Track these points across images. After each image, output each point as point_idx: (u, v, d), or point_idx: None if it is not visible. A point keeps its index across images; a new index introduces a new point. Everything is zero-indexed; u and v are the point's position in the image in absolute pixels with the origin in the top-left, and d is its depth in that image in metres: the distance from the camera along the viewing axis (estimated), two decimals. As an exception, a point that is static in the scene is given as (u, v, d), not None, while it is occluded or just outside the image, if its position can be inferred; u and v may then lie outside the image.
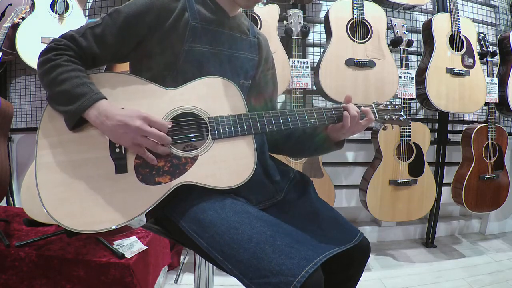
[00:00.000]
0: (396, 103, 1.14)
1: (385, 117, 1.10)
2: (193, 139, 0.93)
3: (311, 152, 1.17)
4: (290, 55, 2.02)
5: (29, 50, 1.83)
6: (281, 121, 0.97)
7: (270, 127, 0.95)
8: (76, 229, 0.81)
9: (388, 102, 1.13)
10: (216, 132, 0.92)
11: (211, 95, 0.95)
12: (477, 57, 2.25)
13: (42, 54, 0.89)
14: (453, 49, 2.20)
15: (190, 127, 0.93)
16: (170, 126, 0.88)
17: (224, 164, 0.90)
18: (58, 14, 1.93)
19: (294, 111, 0.99)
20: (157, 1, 0.93)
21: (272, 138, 1.18)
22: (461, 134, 2.35)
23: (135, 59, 0.99)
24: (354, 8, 2.06)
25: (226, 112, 0.94)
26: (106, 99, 0.87)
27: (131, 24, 0.92)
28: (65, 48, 0.89)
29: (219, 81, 0.96)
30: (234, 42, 1.04)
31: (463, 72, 2.18)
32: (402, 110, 1.13)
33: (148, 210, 0.83)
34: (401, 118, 1.11)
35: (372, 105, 1.08)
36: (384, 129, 1.13)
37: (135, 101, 0.91)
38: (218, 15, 1.01)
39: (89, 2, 2.23)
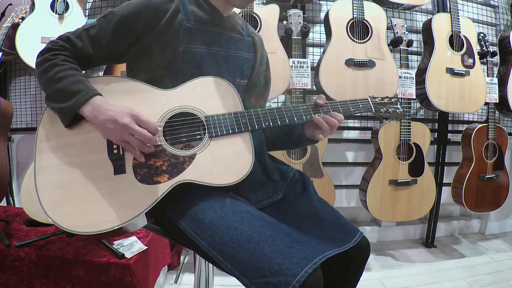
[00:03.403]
0: (392, 96, 1.13)
1: (382, 110, 1.09)
2: (191, 138, 0.94)
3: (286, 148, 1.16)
4: (290, 55, 2.02)
5: (29, 50, 1.84)
6: (277, 117, 0.97)
7: (267, 123, 0.96)
8: (76, 230, 0.81)
9: (384, 96, 1.12)
10: (213, 130, 0.92)
11: (207, 95, 0.96)
12: (477, 57, 2.25)
13: (40, 55, 0.91)
14: (453, 49, 2.20)
15: (187, 127, 0.93)
16: (160, 127, 0.89)
17: (222, 162, 0.90)
18: (58, 14, 1.93)
19: (290, 107, 1.00)
20: (150, 3, 0.94)
21: (271, 137, 1.18)
22: (461, 134, 2.35)
23: (131, 60, 1.01)
24: (354, 8, 2.06)
25: (223, 111, 0.95)
26: (101, 95, 0.88)
27: (125, 26, 0.93)
28: (62, 49, 0.92)
29: (214, 80, 0.97)
30: (228, 42, 1.05)
31: (463, 72, 2.18)
32: (398, 103, 1.12)
33: (147, 210, 0.84)
34: (397, 111, 1.10)
35: (368, 99, 1.08)
36: (381, 122, 1.12)
37: (132, 103, 0.92)
38: (212, 15, 1.02)
39: (89, 2, 2.23)
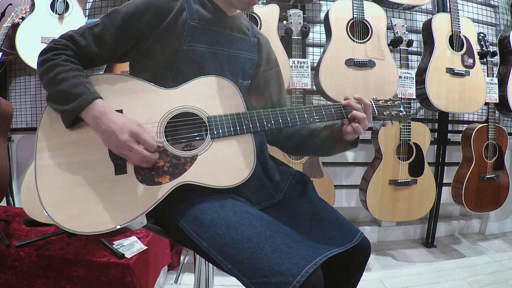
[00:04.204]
0: (395, 98, 1.12)
1: (385, 113, 1.08)
2: (192, 139, 0.93)
3: (323, 153, 1.17)
4: (290, 55, 2.02)
5: (29, 50, 1.84)
6: (280, 119, 0.96)
7: (269, 125, 0.95)
8: (77, 231, 0.81)
9: (387, 98, 1.10)
10: (215, 131, 0.92)
11: (210, 95, 0.95)
12: (477, 57, 2.25)
13: (42, 54, 0.90)
14: (453, 49, 2.20)
15: (189, 127, 0.93)
16: (160, 145, 0.88)
17: (224, 163, 0.90)
18: (58, 14, 1.93)
19: (293, 109, 0.99)
20: (155, 1, 0.94)
21: (279, 138, 1.18)
22: (461, 134, 2.35)
23: (134, 59, 1.00)
24: (354, 8, 2.06)
25: (225, 111, 0.94)
26: (102, 98, 0.87)
27: (129, 24, 0.93)
28: (64, 48, 0.91)
29: (217, 80, 0.96)
30: (232, 42, 1.04)
31: (463, 72, 2.18)
32: (402, 105, 1.11)
33: (148, 211, 0.83)
34: (400, 113, 1.09)
35: (371, 102, 1.07)
36: (383, 125, 1.11)
37: (134, 102, 0.91)
38: (217, 15, 1.01)
39: (89, 2, 2.23)
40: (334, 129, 1.06)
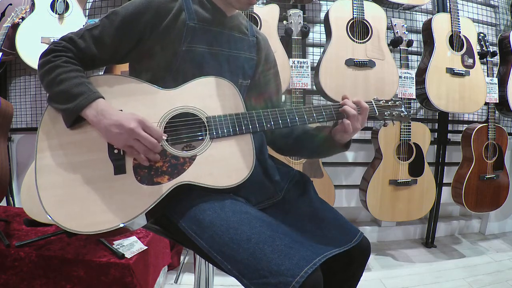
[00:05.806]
0: (396, 98, 1.12)
1: (386, 113, 1.08)
2: (192, 139, 0.93)
3: (313, 153, 1.16)
4: (290, 55, 2.02)
5: (29, 50, 1.84)
6: (279, 119, 0.96)
7: (269, 125, 0.95)
8: (77, 230, 0.81)
9: (388, 99, 1.10)
10: (214, 131, 0.92)
11: (209, 95, 0.95)
12: (477, 57, 2.25)
13: (42, 56, 0.91)
14: (453, 49, 2.20)
15: (188, 127, 0.93)
16: (164, 137, 0.88)
17: (223, 163, 0.90)
18: (58, 14, 1.93)
19: (292, 109, 0.99)
20: (154, 2, 0.94)
21: (272, 137, 1.17)
22: (461, 134, 2.35)
23: (134, 60, 1.00)
24: (354, 8, 2.06)
25: (224, 111, 0.94)
26: (104, 98, 0.88)
27: (128, 25, 0.93)
28: (64, 50, 0.91)
29: (217, 80, 0.97)
30: (232, 42, 1.05)
31: (463, 72, 2.18)
32: (403, 106, 1.11)
33: (147, 211, 0.84)
34: (402, 114, 1.09)
35: (372, 102, 1.07)
36: (385, 125, 1.11)
37: (133, 102, 0.91)
38: (216, 15, 1.02)
39: (89, 2, 2.23)
40: (326, 129, 1.06)
